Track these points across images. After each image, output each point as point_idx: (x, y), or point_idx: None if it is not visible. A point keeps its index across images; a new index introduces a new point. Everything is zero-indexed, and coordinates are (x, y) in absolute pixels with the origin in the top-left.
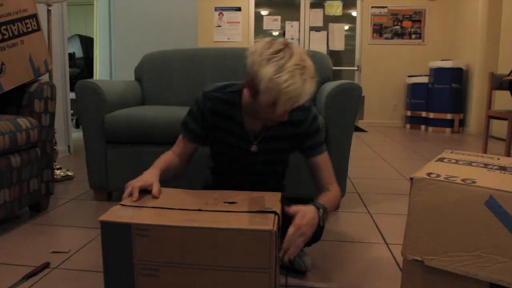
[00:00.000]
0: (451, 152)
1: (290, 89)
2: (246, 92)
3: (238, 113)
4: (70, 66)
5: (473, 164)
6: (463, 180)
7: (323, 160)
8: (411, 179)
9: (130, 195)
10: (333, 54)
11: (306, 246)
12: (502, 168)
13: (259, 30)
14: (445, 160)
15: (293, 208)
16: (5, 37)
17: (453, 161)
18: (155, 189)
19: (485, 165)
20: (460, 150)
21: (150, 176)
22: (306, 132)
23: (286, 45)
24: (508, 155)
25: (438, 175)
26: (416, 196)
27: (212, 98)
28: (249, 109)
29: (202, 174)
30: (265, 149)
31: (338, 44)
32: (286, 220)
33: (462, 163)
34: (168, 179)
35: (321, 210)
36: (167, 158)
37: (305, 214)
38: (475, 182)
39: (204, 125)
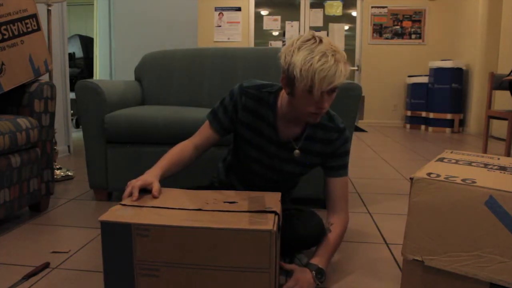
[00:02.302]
0: (451, 152)
1: (324, 67)
2: (283, 93)
3: (271, 114)
4: (70, 66)
5: (473, 164)
6: (463, 180)
7: (342, 184)
8: (411, 179)
9: (130, 194)
10: None
11: (305, 248)
12: (502, 168)
13: (259, 30)
14: (445, 160)
15: (289, 266)
16: (5, 37)
17: (453, 161)
18: (155, 188)
19: (485, 165)
20: (460, 150)
21: (150, 176)
22: (334, 151)
23: (314, 35)
24: (508, 155)
25: (438, 175)
26: (416, 196)
27: (247, 94)
28: (285, 110)
29: (202, 174)
30: (290, 158)
31: (338, 44)
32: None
33: (462, 163)
34: (170, 177)
35: (314, 273)
36: (176, 153)
37: (298, 280)
38: (475, 182)
39: (233, 118)
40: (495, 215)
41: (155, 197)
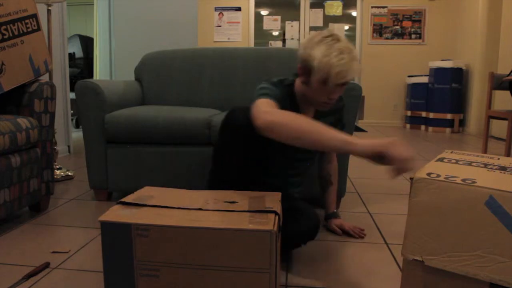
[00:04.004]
0: (451, 152)
1: (340, 63)
2: (298, 81)
3: (295, 104)
4: (70, 66)
5: (473, 164)
6: (463, 180)
7: None
8: (411, 179)
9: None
10: None
11: (302, 243)
12: (502, 168)
13: (259, 30)
14: (445, 160)
15: (335, 225)
16: (5, 37)
17: (453, 161)
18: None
19: (485, 165)
20: (460, 150)
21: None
22: (341, 117)
23: (333, 34)
24: (508, 155)
25: (438, 175)
26: (416, 196)
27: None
28: (301, 97)
29: (201, 175)
30: None
31: None
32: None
33: (462, 163)
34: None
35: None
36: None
37: (342, 223)
38: (475, 182)
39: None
40: (495, 215)
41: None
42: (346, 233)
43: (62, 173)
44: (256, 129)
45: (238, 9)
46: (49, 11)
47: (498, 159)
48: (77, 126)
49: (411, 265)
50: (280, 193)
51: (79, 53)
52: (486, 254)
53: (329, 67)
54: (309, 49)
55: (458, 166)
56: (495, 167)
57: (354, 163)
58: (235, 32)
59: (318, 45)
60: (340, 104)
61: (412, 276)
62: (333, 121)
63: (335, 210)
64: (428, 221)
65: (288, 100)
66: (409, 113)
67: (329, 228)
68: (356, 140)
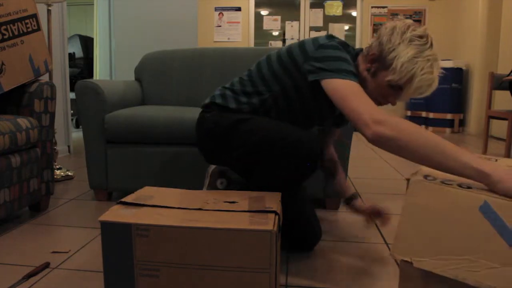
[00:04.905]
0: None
1: (425, 77)
2: (361, 60)
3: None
4: (70, 66)
5: None
6: (459, 184)
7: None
8: (407, 180)
9: None
10: None
11: (307, 250)
12: None
13: (259, 30)
14: None
15: (363, 210)
16: (5, 37)
17: None
18: None
19: None
20: None
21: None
22: None
23: (428, 35)
24: (508, 155)
25: (435, 178)
26: (410, 198)
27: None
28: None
29: (201, 175)
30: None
31: None
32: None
33: None
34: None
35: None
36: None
37: (373, 205)
38: (470, 187)
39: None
40: (489, 220)
41: None
42: (376, 213)
43: (62, 173)
44: (365, 136)
45: (238, 9)
46: (49, 11)
47: (496, 160)
48: (77, 126)
49: (407, 266)
50: (280, 193)
51: (79, 53)
52: (476, 258)
53: (412, 76)
54: (396, 42)
55: None
56: None
57: (354, 163)
58: (235, 32)
59: (409, 44)
60: None
61: (409, 277)
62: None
63: (355, 191)
64: (421, 223)
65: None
66: (409, 113)
67: (356, 209)
68: (494, 172)
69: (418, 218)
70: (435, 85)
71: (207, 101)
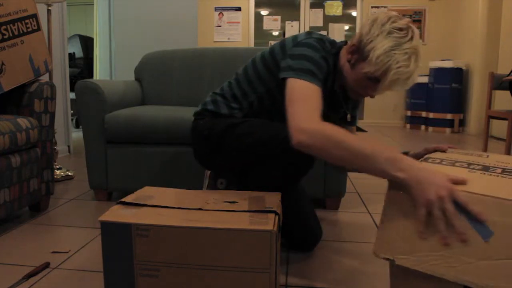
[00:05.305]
0: (439, 151)
1: (400, 70)
2: (344, 53)
3: (332, 80)
4: (70, 66)
5: (456, 164)
6: None
7: None
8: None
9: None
10: None
11: (307, 251)
12: (485, 168)
13: (259, 30)
14: (429, 160)
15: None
16: (5, 37)
17: (438, 160)
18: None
19: (469, 165)
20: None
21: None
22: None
23: (410, 27)
24: (507, 154)
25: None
26: (391, 195)
27: (326, 47)
28: (339, 70)
29: (201, 175)
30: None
31: None
32: None
33: (446, 163)
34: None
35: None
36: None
37: None
38: None
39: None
40: (463, 214)
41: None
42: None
43: (62, 173)
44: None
45: (238, 9)
46: (49, 11)
47: (487, 156)
48: (77, 126)
49: (392, 264)
50: (280, 193)
51: (79, 53)
52: (452, 254)
53: (387, 69)
54: (375, 34)
55: (441, 167)
56: (477, 167)
57: None
58: (235, 32)
59: (387, 36)
60: None
61: (397, 274)
62: (352, 106)
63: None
64: (401, 221)
65: (331, 76)
66: (409, 113)
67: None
68: (409, 178)
69: (397, 216)
70: (414, 78)
71: (198, 108)
